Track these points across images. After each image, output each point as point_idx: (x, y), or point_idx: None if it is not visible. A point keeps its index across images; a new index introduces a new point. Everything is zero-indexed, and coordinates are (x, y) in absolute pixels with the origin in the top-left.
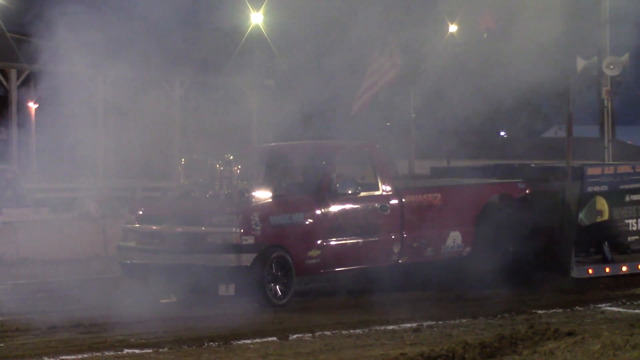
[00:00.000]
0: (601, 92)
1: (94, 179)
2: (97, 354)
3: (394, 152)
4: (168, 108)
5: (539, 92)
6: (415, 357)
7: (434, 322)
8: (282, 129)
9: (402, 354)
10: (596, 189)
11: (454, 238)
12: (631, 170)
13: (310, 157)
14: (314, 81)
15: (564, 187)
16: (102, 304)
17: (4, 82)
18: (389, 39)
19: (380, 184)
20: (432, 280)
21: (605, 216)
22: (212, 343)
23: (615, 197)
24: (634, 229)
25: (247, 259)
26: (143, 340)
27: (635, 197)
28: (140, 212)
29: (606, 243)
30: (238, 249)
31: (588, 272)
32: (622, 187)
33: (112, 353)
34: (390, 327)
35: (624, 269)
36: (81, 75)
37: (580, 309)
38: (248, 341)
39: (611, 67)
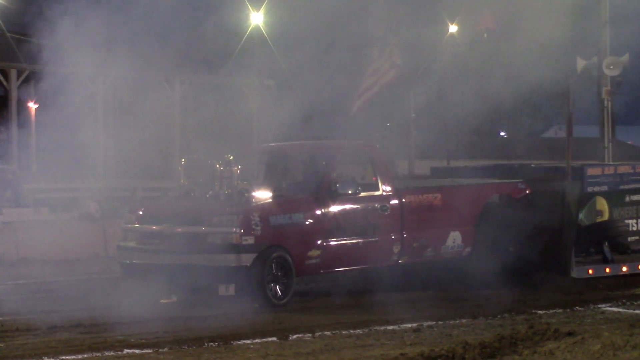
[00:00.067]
0: (601, 92)
1: (94, 179)
2: (97, 354)
3: (394, 152)
4: (168, 108)
5: (539, 92)
6: (415, 357)
7: (434, 322)
8: (282, 129)
9: (402, 354)
10: (596, 189)
11: (454, 238)
12: (631, 171)
13: (310, 157)
14: (314, 81)
15: (564, 187)
16: (102, 304)
17: (4, 82)
18: (389, 39)
19: (380, 184)
20: (432, 280)
21: (605, 216)
22: (212, 343)
23: (615, 197)
24: (634, 229)
25: (247, 259)
26: (143, 340)
27: (635, 197)
28: (140, 212)
29: (606, 243)
30: (238, 249)
31: (588, 272)
32: (622, 187)
33: (112, 353)
34: (390, 327)
35: (624, 269)
36: (81, 75)
37: (580, 309)
38: (248, 341)
39: (611, 67)
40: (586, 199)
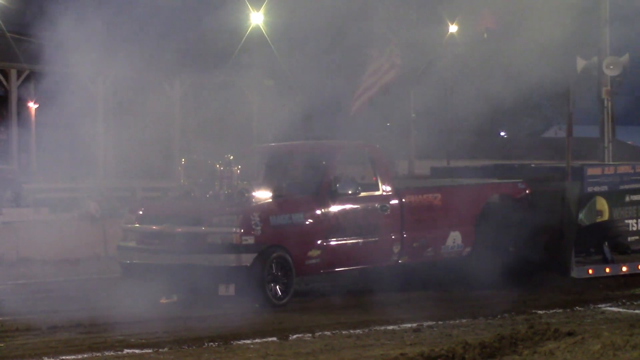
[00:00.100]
0: (601, 92)
1: (94, 178)
2: (97, 354)
3: (394, 152)
4: (168, 108)
5: (539, 92)
6: (415, 357)
7: (434, 322)
8: (282, 129)
9: (402, 354)
10: (596, 189)
11: (454, 238)
12: (631, 171)
13: (310, 157)
14: (314, 81)
15: (564, 187)
16: (102, 304)
17: (4, 82)
18: (389, 39)
19: (380, 184)
20: (432, 280)
21: (605, 216)
22: (212, 343)
23: (615, 197)
24: (634, 229)
25: (247, 259)
26: (143, 340)
27: (635, 197)
28: (140, 212)
29: (606, 243)
30: (238, 249)
31: (588, 272)
32: (622, 187)
33: (112, 353)
34: (390, 327)
35: (624, 269)
36: (81, 75)
37: (580, 309)
38: (248, 341)
39: (611, 67)
40: (586, 199)
